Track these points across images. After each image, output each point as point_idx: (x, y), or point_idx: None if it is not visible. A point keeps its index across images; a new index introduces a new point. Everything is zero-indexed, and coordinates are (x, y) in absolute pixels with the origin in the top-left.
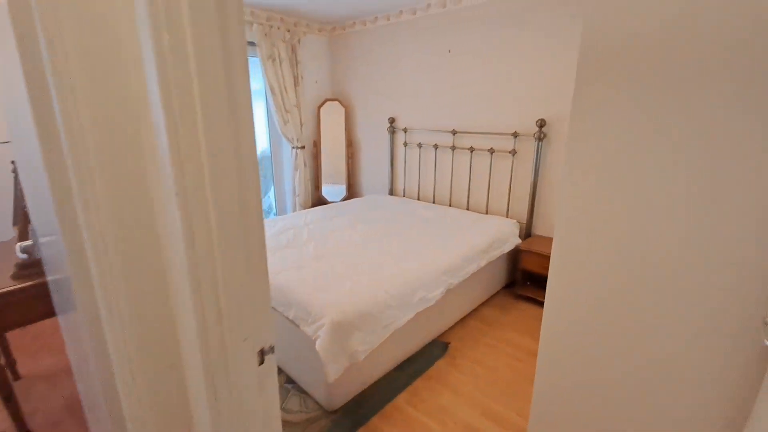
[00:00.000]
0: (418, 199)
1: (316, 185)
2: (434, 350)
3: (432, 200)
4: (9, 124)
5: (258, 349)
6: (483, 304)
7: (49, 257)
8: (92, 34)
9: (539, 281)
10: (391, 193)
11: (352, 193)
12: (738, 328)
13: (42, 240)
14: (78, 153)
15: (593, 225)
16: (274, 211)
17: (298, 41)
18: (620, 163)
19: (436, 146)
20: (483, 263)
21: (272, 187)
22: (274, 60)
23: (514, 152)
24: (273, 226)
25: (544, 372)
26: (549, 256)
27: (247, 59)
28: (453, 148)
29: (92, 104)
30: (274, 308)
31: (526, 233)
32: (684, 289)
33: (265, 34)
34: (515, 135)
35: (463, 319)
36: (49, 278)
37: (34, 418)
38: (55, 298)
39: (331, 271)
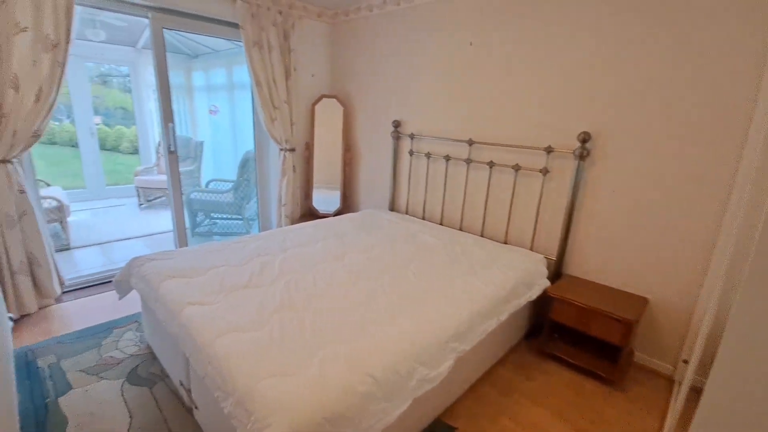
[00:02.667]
0: (423, 218)
1: (307, 193)
2: None
3: (439, 221)
4: None
5: None
6: (498, 363)
7: None
8: None
9: (571, 334)
10: (392, 208)
11: (347, 204)
12: None
13: None
14: None
15: None
16: (258, 222)
17: (293, 26)
18: None
19: (447, 157)
20: (503, 317)
21: (256, 195)
22: (261, 47)
23: (545, 171)
24: (242, 249)
25: None
26: (589, 309)
27: None
28: (468, 161)
29: None
30: (211, 393)
31: (555, 272)
32: None
33: (252, 15)
34: (549, 150)
35: (472, 386)
36: None
37: None
38: None
39: (297, 334)
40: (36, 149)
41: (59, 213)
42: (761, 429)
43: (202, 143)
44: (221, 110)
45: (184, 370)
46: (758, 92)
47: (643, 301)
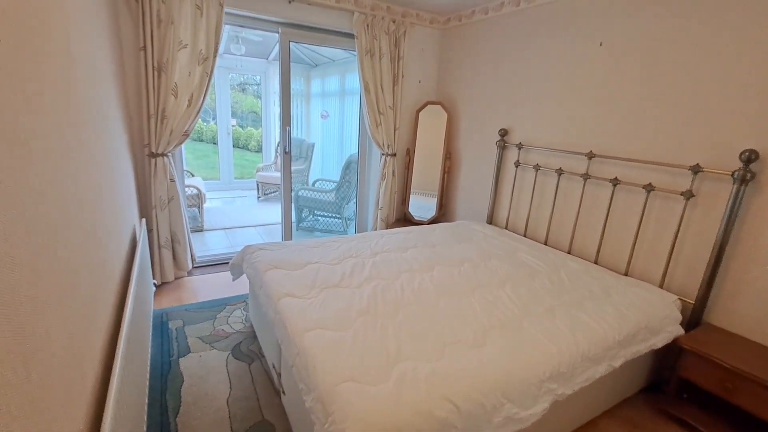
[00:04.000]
0: (524, 236)
1: (403, 198)
2: None
3: (544, 240)
4: None
5: None
6: (605, 415)
7: None
8: None
9: (704, 399)
10: (490, 221)
11: (443, 212)
12: None
13: None
14: None
15: None
16: (355, 223)
17: (404, 33)
18: None
19: (560, 171)
20: (617, 363)
21: (355, 196)
22: (372, 55)
23: (689, 194)
24: (336, 248)
25: None
26: (736, 371)
27: None
28: (586, 176)
29: None
30: (297, 383)
31: (693, 319)
32: None
33: (367, 25)
34: (696, 170)
35: None
36: None
37: None
38: None
39: (379, 342)
40: (185, 144)
41: (198, 200)
42: None
43: (313, 145)
44: (331, 115)
45: (277, 355)
46: None
47: None
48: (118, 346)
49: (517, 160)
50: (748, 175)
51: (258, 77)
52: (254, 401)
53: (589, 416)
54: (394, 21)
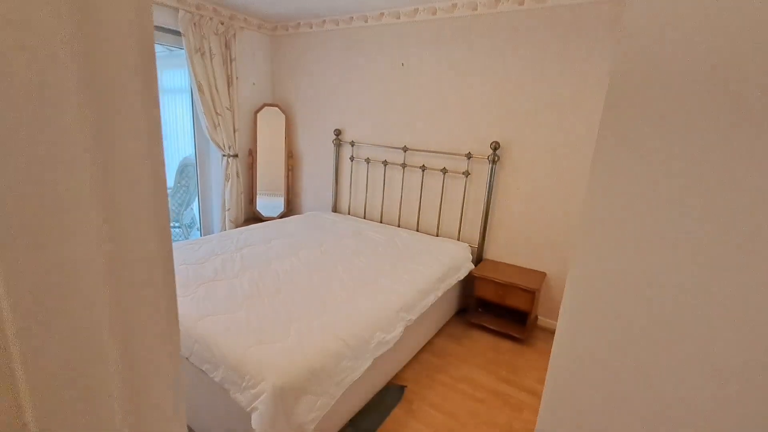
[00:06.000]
0: (364, 218)
1: (250, 198)
2: (389, 397)
3: (379, 219)
4: None
5: None
6: (436, 335)
7: None
8: None
9: (492, 308)
10: (335, 210)
11: (290, 208)
12: None
13: None
14: None
15: (617, 263)
16: (198, 227)
17: (234, 36)
18: (649, 203)
19: (385, 163)
20: (440, 293)
21: (197, 199)
22: (203, 54)
23: (467, 173)
24: (196, 250)
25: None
26: (503, 283)
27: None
28: (404, 165)
29: None
30: (197, 367)
31: (478, 257)
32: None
33: (194, 24)
34: (469, 156)
35: (416, 355)
36: None
37: None
38: None
39: (271, 313)
40: None
41: None
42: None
43: None
44: None
45: None
46: None
47: (542, 275)
48: None
49: (352, 155)
50: (496, 157)
51: None
52: None
53: (427, 338)
54: (222, 23)
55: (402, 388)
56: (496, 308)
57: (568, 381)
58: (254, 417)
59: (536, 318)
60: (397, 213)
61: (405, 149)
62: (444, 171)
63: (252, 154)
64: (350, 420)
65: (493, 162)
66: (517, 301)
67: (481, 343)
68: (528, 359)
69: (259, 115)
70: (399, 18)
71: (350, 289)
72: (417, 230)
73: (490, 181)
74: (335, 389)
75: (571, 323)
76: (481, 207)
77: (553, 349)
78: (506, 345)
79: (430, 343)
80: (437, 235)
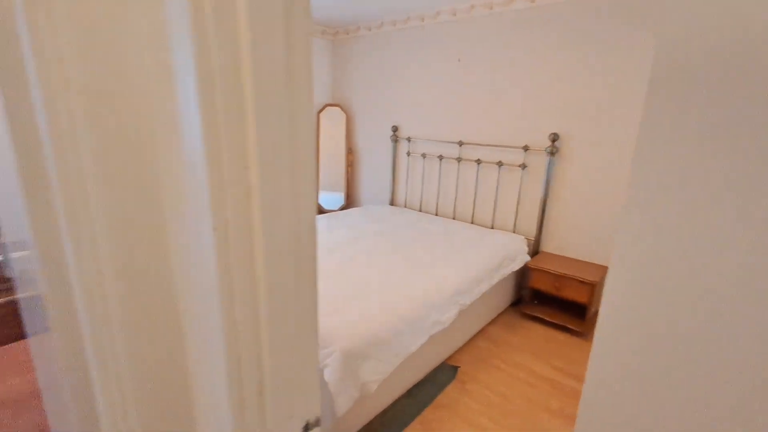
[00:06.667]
0: (420, 211)
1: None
2: (444, 375)
3: (435, 212)
4: None
5: (303, 424)
6: (490, 323)
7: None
8: None
9: (547, 300)
10: (392, 203)
11: (350, 202)
12: None
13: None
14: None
15: (661, 254)
16: None
17: None
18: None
19: (441, 157)
20: (494, 282)
21: None
22: None
23: (524, 166)
24: None
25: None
26: (559, 275)
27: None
28: (459, 159)
29: (88, 89)
30: None
31: (534, 250)
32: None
33: None
34: (526, 148)
35: (470, 340)
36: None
37: None
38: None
39: (338, 291)
40: None
41: None
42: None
43: None
44: None
45: None
46: None
47: (603, 269)
48: None
49: (408, 151)
50: (554, 149)
51: None
52: None
53: (480, 325)
54: None
55: (455, 368)
56: (552, 301)
57: (609, 372)
58: (326, 372)
59: (596, 312)
60: (452, 206)
61: (460, 143)
62: (499, 164)
63: (315, 151)
64: (407, 390)
65: (552, 154)
66: (574, 294)
67: (536, 334)
68: (584, 352)
69: (321, 114)
70: (455, 15)
71: (407, 273)
72: (472, 222)
73: (547, 173)
74: (394, 359)
75: (611, 318)
76: (539, 200)
77: (594, 340)
78: (562, 337)
79: (484, 330)
80: (492, 228)
